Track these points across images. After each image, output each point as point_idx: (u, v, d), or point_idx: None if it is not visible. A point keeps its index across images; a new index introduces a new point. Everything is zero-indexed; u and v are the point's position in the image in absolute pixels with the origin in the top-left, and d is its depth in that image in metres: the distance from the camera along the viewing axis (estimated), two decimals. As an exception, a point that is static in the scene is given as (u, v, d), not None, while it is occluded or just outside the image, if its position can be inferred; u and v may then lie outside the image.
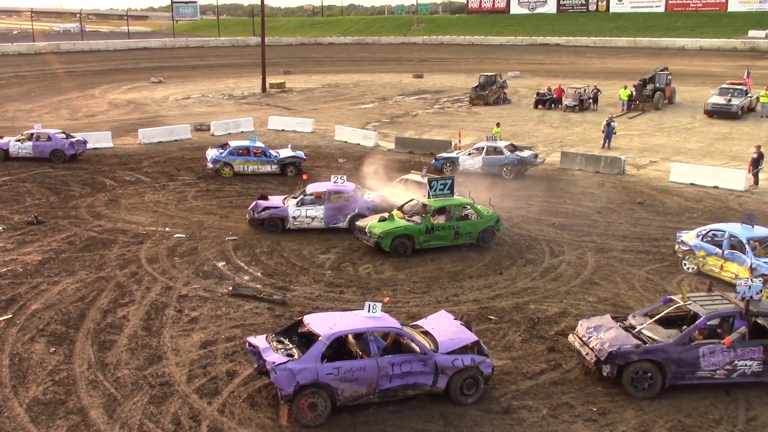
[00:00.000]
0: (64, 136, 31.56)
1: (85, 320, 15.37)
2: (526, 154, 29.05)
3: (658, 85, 45.65)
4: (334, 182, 22.04)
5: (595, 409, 12.20)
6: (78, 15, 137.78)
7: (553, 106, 46.53)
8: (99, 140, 34.40)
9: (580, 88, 46.33)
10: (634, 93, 45.14)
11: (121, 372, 13.22)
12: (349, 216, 21.39)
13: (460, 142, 32.64)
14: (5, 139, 31.43)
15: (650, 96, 45.07)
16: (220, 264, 18.97)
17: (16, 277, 17.79)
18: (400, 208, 20.97)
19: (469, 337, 12.85)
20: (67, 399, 12.34)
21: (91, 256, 19.46)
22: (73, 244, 20.49)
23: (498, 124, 35.41)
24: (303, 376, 11.42)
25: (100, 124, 40.42)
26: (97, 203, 24.74)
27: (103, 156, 32.58)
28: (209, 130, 38.76)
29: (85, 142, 32.30)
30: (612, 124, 34.22)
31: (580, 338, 13.45)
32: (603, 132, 34.33)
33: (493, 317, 15.81)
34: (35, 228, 21.78)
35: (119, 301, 16.47)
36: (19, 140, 31.10)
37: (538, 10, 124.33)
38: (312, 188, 22.19)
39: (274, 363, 11.51)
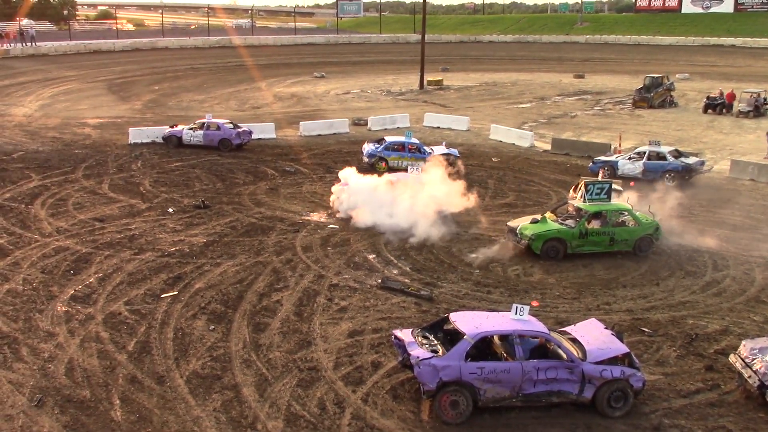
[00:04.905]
0: (231, 126, 33.29)
1: (242, 302, 16.19)
2: (691, 161, 27.52)
3: None
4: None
5: (755, 437, 11.41)
6: (250, 11, 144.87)
7: (724, 111, 43.77)
8: (263, 131, 36.06)
9: (756, 93, 43.23)
10: (819, 99, 41.65)
11: (272, 354, 13.81)
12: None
13: (620, 145, 31.40)
14: (179, 127, 33.65)
15: (838, 103, 41.43)
16: (371, 256, 19.36)
17: (183, 257, 19.02)
18: (553, 210, 20.47)
19: (620, 348, 12.39)
20: (223, 375, 13.05)
21: (250, 241, 20.45)
22: (235, 228, 21.61)
23: None
24: (446, 373, 11.44)
25: (265, 116, 42.28)
26: (258, 191, 25.94)
27: (266, 146, 34.10)
28: (366, 125, 39.59)
29: (250, 133, 33.96)
30: (791, 132, 31.75)
31: (742, 359, 12.61)
32: (780, 141, 31.93)
33: (646, 329, 15.15)
34: (202, 212, 23.16)
35: (274, 285, 17.20)
36: (191, 129, 33.16)
37: (713, 9, 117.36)
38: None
39: (418, 357, 11.62)
